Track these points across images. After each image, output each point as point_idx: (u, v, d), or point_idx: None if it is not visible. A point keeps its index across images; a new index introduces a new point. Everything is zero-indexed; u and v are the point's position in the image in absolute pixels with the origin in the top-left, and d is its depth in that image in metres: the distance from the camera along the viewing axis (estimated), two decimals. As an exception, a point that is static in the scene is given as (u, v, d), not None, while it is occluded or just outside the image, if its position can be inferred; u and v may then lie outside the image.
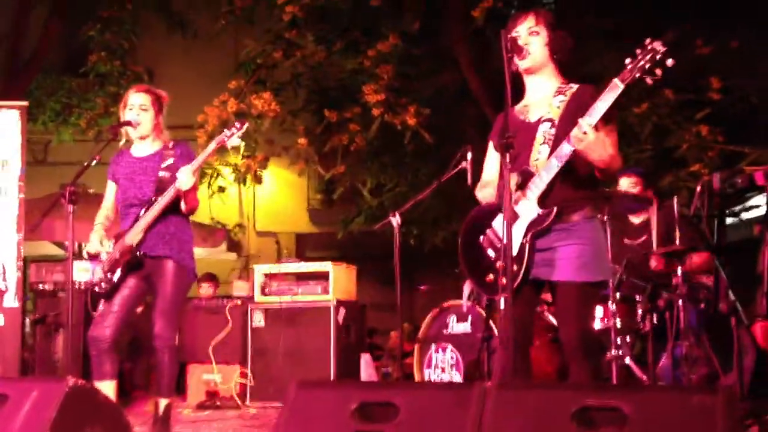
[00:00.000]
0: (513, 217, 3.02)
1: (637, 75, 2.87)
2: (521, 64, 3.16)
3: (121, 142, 4.33)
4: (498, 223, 3.14)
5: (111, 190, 4.34)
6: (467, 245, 3.24)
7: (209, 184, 9.20)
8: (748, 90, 7.74)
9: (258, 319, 6.43)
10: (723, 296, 4.37)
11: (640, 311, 4.76)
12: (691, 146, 7.50)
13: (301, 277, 6.62)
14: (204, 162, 4.20)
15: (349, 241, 10.70)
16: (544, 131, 3.09)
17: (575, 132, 2.90)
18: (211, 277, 8.29)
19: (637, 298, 4.80)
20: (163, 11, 10.58)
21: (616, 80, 2.90)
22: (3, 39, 10.26)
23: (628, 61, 2.89)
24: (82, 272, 5.44)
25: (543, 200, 3.04)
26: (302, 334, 6.29)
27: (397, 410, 2.24)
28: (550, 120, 3.10)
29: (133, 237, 4.11)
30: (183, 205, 4.13)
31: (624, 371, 4.58)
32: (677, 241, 4.70)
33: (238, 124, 4.21)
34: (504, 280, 2.84)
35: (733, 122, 7.73)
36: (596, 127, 2.89)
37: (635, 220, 5.32)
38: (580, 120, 2.90)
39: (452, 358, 5.53)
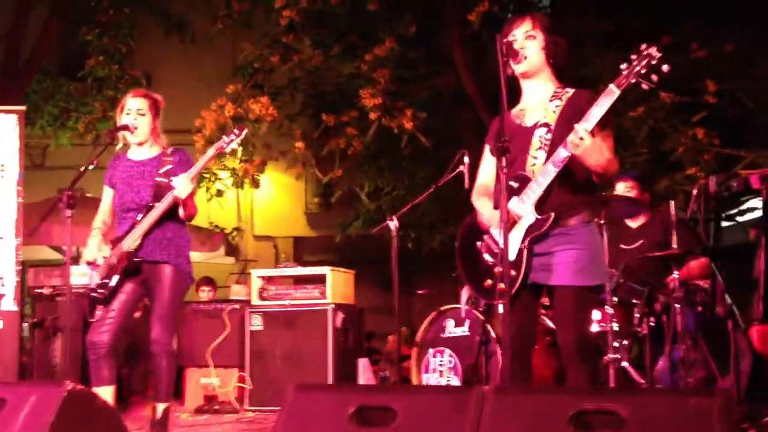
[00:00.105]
0: (510, 223, 3.03)
1: (633, 80, 2.88)
2: (517, 68, 3.16)
3: (119, 147, 4.34)
4: (495, 228, 3.14)
5: (108, 195, 4.34)
6: (465, 250, 3.25)
7: (207, 188, 9.21)
8: (744, 93, 7.76)
9: (256, 323, 6.43)
10: (720, 300, 4.39)
11: (637, 315, 4.78)
12: (687, 150, 7.51)
13: (299, 281, 6.63)
14: (202, 168, 4.20)
15: (347, 244, 10.71)
16: (540, 136, 3.10)
17: (571, 137, 2.91)
18: (209, 281, 8.29)
19: (634, 301, 4.82)
20: (160, 15, 10.58)
21: (611, 86, 2.91)
22: (2, 39, 10.25)
23: (623, 66, 2.91)
24: (80, 277, 5.44)
25: (540, 205, 3.04)
26: (300, 338, 6.29)
27: (394, 414, 2.25)
28: (546, 125, 3.11)
29: (131, 243, 4.11)
30: (181, 212, 4.13)
31: (621, 374, 4.58)
32: (675, 245, 4.71)
33: (237, 131, 4.22)
34: (502, 285, 2.85)
35: (729, 125, 7.75)
36: (592, 132, 2.90)
37: (632, 224, 5.33)
38: (576, 125, 2.90)
39: (450, 361, 5.53)
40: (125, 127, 4.19)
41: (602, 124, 2.94)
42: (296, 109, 9.38)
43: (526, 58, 3.13)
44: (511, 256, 2.99)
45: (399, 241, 5.22)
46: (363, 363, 6.58)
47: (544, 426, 2.12)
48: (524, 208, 3.06)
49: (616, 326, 4.52)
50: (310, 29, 8.57)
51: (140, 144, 4.27)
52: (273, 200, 13.30)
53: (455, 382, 5.44)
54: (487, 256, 3.16)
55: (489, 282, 3.11)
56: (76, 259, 5.12)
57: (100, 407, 2.65)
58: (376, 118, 8.22)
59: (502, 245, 2.80)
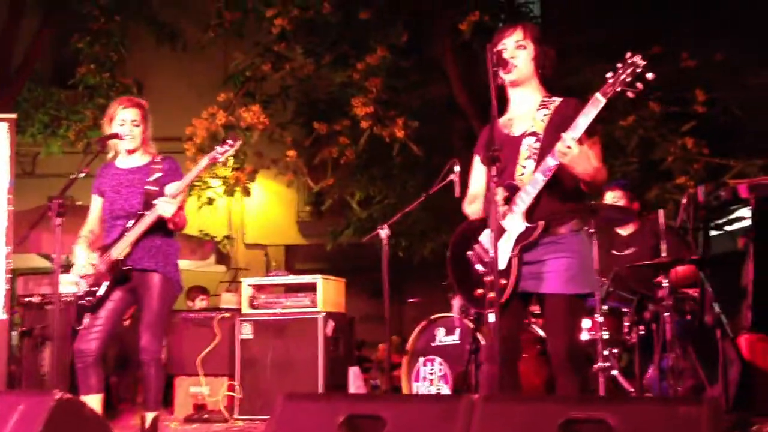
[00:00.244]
0: (500, 231, 3.04)
1: (618, 89, 2.90)
2: (507, 77, 3.18)
3: (110, 155, 4.33)
4: (485, 237, 3.15)
5: (96, 204, 4.33)
6: (456, 259, 3.26)
7: (198, 196, 9.19)
8: (733, 103, 7.82)
9: (246, 332, 6.42)
10: (708, 308, 4.40)
11: (626, 323, 4.79)
12: (676, 159, 7.56)
13: (290, 290, 6.61)
14: (193, 180, 4.19)
15: (338, 253, 10.70)
16: (529, 145, 3.11)
17: (559, 146, 2.92)
18: (204, 290, 8.28)
19: (624, 310, 4.83)
20: (152, 24, 10.58)
21: (597, 95, 2.92)
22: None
23: (609, 75, 2.93)
24: (69, 285, 5.42)
25: (530, 214, 3.06)
26: (291, 346, 6.27)
27: (384, 423, 2.25)
28: (534, 134, 3.12)
29: (120, 251, 4.10)
30: (170, 224, 4.13)
31: (611, 383, 4.59)
32: (664, 254, 4.72)
33: (231, 141, 4.21)
34: (492, 295, 2.85)
35: (718, 134, 7.80)
36: (580, 140, 2.92)
37: (622, 232, 5.34)
38: (563, 134, 2.92)
39: (440, 370, 5.53)
40: (115, 135, 4.19)
41: (589, 132, 2.96)
42: (288, 118, 9.40)
43: (516, 67, 3.15)
44: (501, 264, 3.00)
45: (390, 250, 5.22)
46: (354, 371, 6.56)
47: (533, 434, 2.13)
48: (514, 217, 3.07)
49: (605, 335, 4.52)
50: (301, 38, 8.60)
51: (131, 152, 4.26)
52: (264, 208, 13.29)
53: (446, 390, 5.44)
54: (478, 266, 3.17)
55: (480, 291, 3.12)
56: (65, 268, 5.10)
57: (89, 416, 2.65)
58: (368, 127, 8.24)
59: (492, 254, 2.81)
